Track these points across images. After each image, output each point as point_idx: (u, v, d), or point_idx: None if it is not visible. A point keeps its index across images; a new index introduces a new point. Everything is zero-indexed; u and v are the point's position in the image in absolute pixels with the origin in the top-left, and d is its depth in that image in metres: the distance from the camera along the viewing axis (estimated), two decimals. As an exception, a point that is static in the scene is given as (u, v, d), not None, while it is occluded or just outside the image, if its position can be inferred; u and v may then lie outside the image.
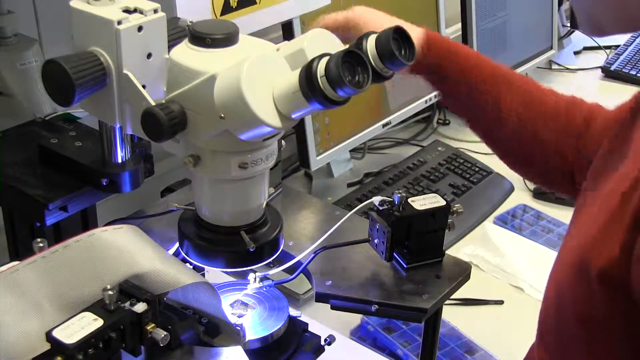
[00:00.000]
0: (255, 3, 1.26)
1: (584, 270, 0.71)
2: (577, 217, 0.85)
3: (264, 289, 0.99)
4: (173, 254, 0.94)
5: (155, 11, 0.83)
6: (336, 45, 0.80)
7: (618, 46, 2.57)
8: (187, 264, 0.89)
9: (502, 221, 1.65)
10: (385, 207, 0.97)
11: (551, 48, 2.33)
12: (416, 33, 1.06)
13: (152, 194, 1.19)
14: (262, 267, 0.94)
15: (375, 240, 0.98)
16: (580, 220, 0.82)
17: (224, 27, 0.80)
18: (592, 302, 0.71)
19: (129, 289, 0.76)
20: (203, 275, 0.94)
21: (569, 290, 0.75)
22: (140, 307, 0.74)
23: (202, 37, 0.78)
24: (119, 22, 0.79)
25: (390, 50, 0.77)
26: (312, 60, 0.73)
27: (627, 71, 2.41)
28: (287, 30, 1.48)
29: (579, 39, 2.59)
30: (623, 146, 0.78)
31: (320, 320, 1.12)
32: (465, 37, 1.99)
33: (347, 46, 0.77)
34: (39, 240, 0.80)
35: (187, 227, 0.90)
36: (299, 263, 0.98)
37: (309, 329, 0.99)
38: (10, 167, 1.01)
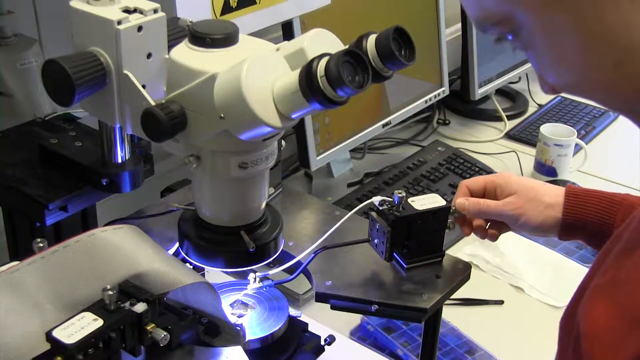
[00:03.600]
0: (255, 3, 1.26)
1: None
2: None
3: (264, 289, 0.99)
4: (173, 254, 0.94)
5: (155, 11, 0.83)
6: (336, 45, 0.80)
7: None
8: (187, 264, 0.89)
9: (502, 221, 1.65)
10: (385, 207, 0.97)
11: (551, 48, 2.33)
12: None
13: (152, 194, 1.19)
14: (262, 267, 0.94)
15: (375, 240, 0.98)
16: None
17: (224, 27, 0.80)
18: None
19: (129, 289, 0.76)
20: (203, 275, 0.94)
21: None
22: (140, 307, 0.74)
23: (202, 37, 0.78)
24: (119, 22, 0.79)
25: (390, 50, 0.77)
26: (312, 60, 0.72)
27: (627, 71, 2.40)
28: (287, 30, 1.48)
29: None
30: None
31: (320, 320, 1.12)
32: (465, 37, 1.99)
33: (347, 46, 0.77)
34: (39, 240, 0.80)
35: (187, 227, 0.90)
36: (299, 263, 0.98)
37: (309, 329, 1.00)
38: (10, 167, 1.01)
